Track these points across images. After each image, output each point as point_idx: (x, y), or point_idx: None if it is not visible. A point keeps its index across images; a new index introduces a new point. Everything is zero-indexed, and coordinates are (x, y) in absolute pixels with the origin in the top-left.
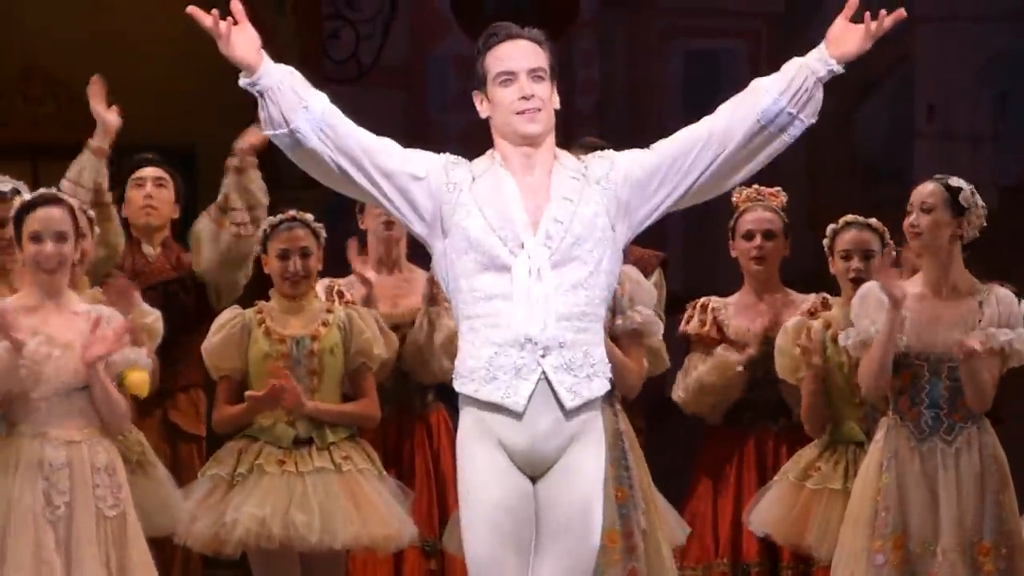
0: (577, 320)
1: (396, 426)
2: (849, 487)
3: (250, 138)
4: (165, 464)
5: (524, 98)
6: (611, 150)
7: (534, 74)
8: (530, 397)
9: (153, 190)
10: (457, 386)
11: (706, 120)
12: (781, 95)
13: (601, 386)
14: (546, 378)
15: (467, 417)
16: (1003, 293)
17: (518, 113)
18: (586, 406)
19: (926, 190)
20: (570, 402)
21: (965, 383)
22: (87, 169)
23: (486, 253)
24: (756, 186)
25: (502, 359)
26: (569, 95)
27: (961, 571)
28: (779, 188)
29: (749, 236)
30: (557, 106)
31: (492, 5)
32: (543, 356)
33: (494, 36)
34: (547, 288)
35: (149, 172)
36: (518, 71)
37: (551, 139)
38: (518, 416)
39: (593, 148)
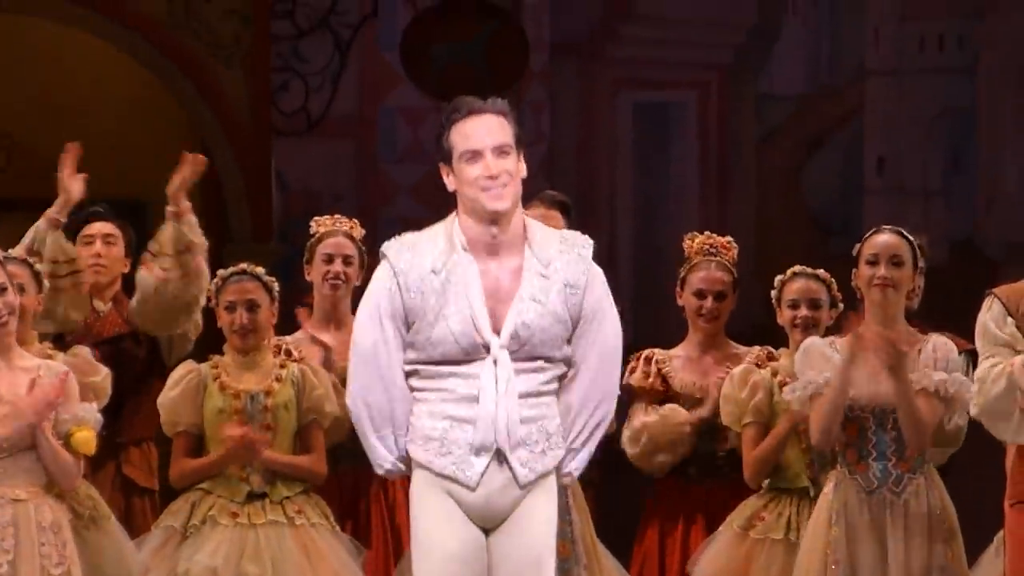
0: (534, 398)
1: (352, 481)
2: (791, 538)
3: (177, 181)
4: (118, 518)
5: (491, 177)
6: (586, 250)
7: (499, 150)
8: (484, 472)
9: (102, 248)
10: (411, 450)
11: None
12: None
13: (555, 458)
14: (501, 454)
15: (420, 473)
16: (941, 340)
17: (484, 190)
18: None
19: (893, 242)
20: (524, 478)
21: (901, 421)
22: (48, 242)
23: (448, 355)
24: (708, 234)
25: (457, 433)
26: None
27: None
28: (731, 239)
29: (700, 295)
30: (524, 174)
31: (442, 58)
32: (499, 434)
33: (457, 112)
34: (509, 381)
35: (98, 229)
36: (483, 149)
37: (519, 212)
38: (471, 489)
39: (555, 203)
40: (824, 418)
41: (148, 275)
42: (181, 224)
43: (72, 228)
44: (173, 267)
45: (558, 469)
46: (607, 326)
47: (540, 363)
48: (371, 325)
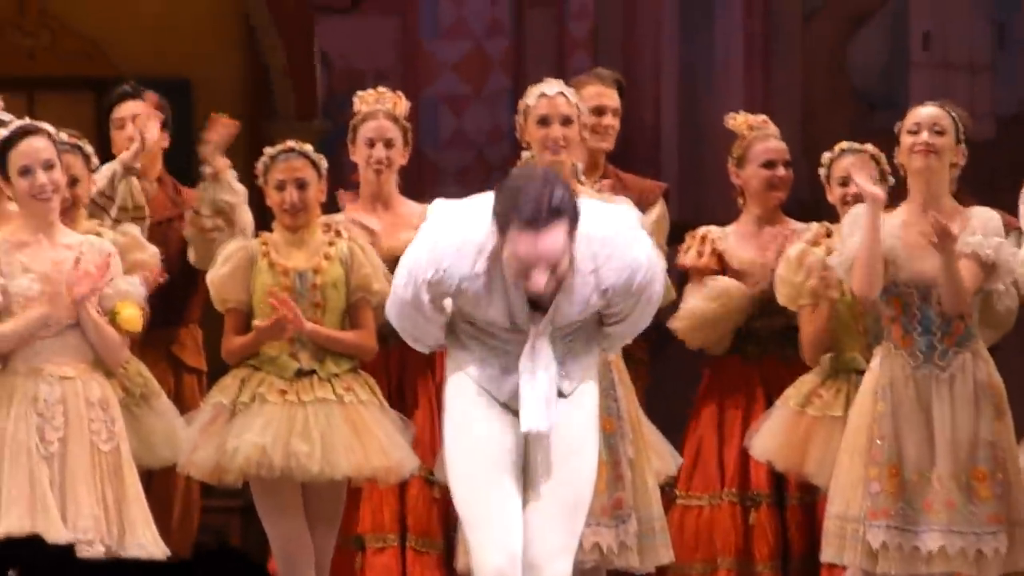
0: (572, 333)
1: (399, 359)
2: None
3: (211, 143)
4: (168, 397)
5: (537, 292)
6: (625, 247)
7: (552, 264)
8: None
9: (135, 131)
10: (449, 343)
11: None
12: None
13: (592, 359)
14: None
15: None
16: (984, 210)
17: (530, 280)
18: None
19: (935, 113)
20: (568, 389)
21: (941, 283)
22: (119, 189)
23: (485, 341)
24: (745, 114)
25: (491, 356)
26: (562, 22)
27: (957, 497)
28: (766, 117)
29: (771, 165)
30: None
31: None
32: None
33: (519, 218)
34: (552, 373)
35: (129, 110)
36: (536, 265)
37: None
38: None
39: (613, 81)
40: (859, 271)
41: (204, 238)
42: (219, 185)
43: (105, 109)
44: (219, 226)
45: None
46: (647, 294)
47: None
48: (408, 283)
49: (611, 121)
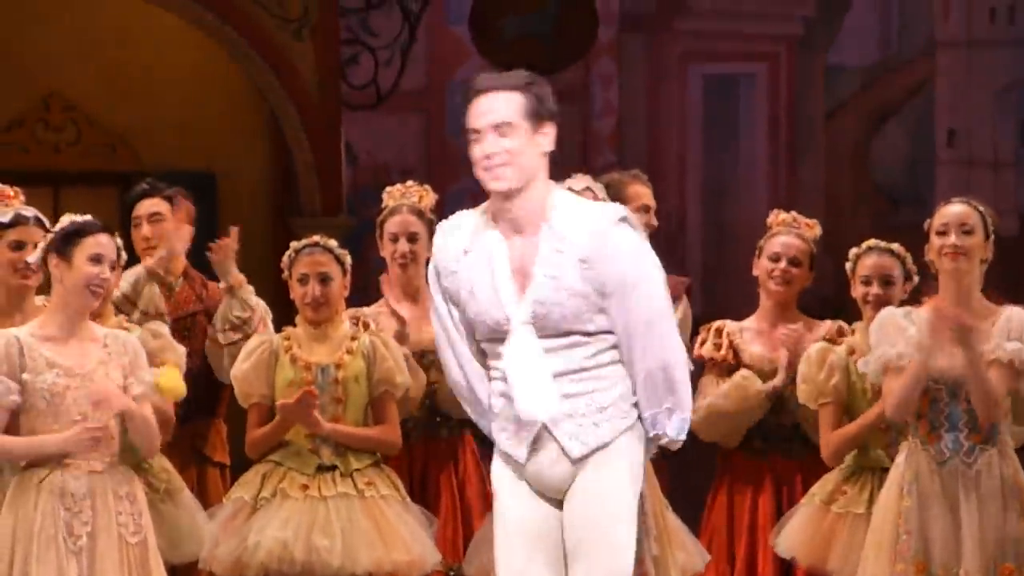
0: (577, 374)
1: (423, 452)
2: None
3: (219, 252)
4: (192, 491)
5: (486, 157)
6: (605, 223)
7: (499, 130)
8: (531, 447)
9: (149, 230)
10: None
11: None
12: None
13: (612, 430)
14: (547, 429)
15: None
16: (1016, 311)
17: (484, 170)
18: (596, 449)
19: (963, 211)
20: (576, 451)
21: (971, 393)
22: (144, 293)
23: (482, 331)
24: (794, 213)
25: (508, 409)
26: (588, 119)
27: None
28: (816, 221)
29: (775, 258)
30: (546, 148)
31: (512, 30)
32: (533, 410)
33: (469, 91)
34: (539, 359)
35: (144, 209)
36: (482, 128)
37: (539, 186)
38: (521, 464)
39: (643, 180)
40: (904, 391)
41: (220, 352)
42: (234, 300)
43: (126, 206)
44: (233, 341)
45: (650, 435)
46: (641, 293)
47: (576, 338)
48: (434, 306)
49: (654, 221)
